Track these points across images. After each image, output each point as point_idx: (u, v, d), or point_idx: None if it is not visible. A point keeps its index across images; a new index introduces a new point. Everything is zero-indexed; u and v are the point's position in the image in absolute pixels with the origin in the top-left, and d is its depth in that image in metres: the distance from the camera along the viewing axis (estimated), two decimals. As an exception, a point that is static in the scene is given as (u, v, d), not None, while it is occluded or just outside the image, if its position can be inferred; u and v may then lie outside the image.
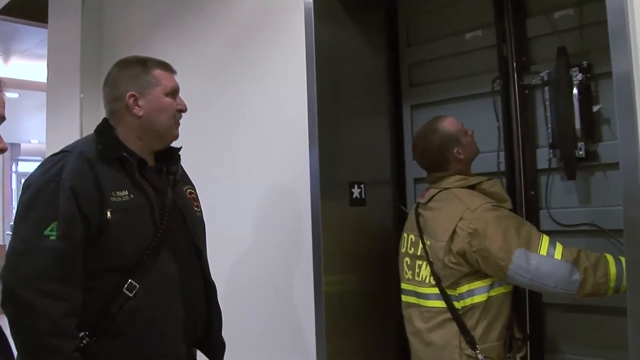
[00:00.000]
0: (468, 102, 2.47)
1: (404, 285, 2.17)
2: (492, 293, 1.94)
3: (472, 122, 2.25)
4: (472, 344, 1.91)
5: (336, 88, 2.42)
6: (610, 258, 1.81)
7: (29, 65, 7.36)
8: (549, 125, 2.21)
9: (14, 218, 1.67)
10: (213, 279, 1.90)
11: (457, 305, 1.95)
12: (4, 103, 1.34)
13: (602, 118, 2.09)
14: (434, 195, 2.08)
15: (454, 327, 1.95)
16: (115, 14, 3.64)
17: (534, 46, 2.32)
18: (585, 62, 2.11)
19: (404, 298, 2.17)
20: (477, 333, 1.93)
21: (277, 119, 2.61)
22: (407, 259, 2.15)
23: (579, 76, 2.10)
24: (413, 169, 2.66)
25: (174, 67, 1.88)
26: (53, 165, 1.65)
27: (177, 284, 1.74)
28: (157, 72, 1.80)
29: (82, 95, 3.58)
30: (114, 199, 1.64)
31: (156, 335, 1.67)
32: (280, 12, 2.60)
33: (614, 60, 1.53)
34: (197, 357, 1.92)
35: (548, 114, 2.22)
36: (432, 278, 2.01)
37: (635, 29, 1.49)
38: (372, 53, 2.63)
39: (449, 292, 1.96)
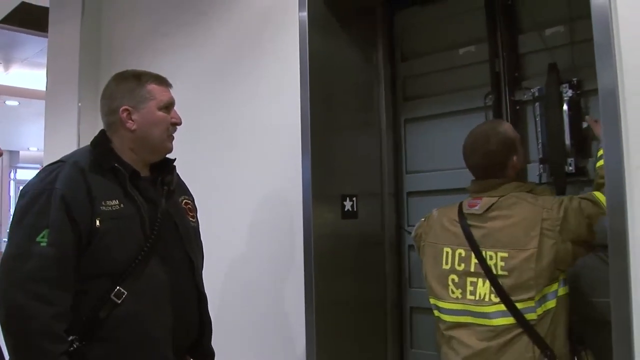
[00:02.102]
0: (460, 116, 2.49)
1: (446, 305, 1.97)
2: (560, 293, 1.84)
3: (465, 136, 2.25)
4: (552, 358, 1.80)
5: (329, 99, 2.44)
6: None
7: (29, 73, 7.42)
8: (540, 141, 2.24)
9: (10, 224, 1.72)
10: (205, 287, 1.91)
11: (531, 316, 1.81)
12: None
13: (591, 134, 2.11)
14: (492, 204, 1.92)
15: (524, 340, 1.81)
16: (114, 24, 3.68)
17: (525, 62, 2.35)
18: (575, 78, 2.14)
19: (447, 318, 1.97)
20: (547, 341, 1.81)
21: (272, 129, 2.63)
22: (453, 276, 1.96)
23: (569, 92, 2.14)
24: (407, 183, 2.68)
25: (170, 76, 1.91)
26: (48, 175, 1.70)
27: (167, 292, 1.76)
28: (152, 87, 1.83)
29: (80, 104, 3.60)
30: (104, 208, 1.68)
31: (145, 341, 1.69)
32: (276, 23, 2.63)
33: (599, 75, 1.55)
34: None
35: (539, 129, 2.24)
36: (492, 295, 1.86)
37: (620, 44, 1.52)
38: (365, 66, 2.65)
39: (522, 305, 1.81)
